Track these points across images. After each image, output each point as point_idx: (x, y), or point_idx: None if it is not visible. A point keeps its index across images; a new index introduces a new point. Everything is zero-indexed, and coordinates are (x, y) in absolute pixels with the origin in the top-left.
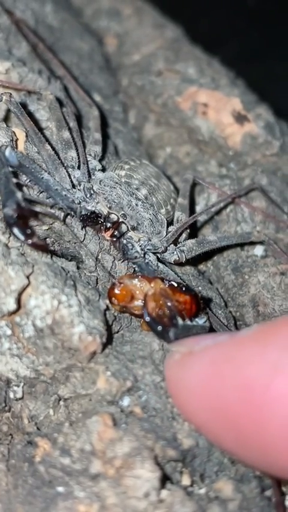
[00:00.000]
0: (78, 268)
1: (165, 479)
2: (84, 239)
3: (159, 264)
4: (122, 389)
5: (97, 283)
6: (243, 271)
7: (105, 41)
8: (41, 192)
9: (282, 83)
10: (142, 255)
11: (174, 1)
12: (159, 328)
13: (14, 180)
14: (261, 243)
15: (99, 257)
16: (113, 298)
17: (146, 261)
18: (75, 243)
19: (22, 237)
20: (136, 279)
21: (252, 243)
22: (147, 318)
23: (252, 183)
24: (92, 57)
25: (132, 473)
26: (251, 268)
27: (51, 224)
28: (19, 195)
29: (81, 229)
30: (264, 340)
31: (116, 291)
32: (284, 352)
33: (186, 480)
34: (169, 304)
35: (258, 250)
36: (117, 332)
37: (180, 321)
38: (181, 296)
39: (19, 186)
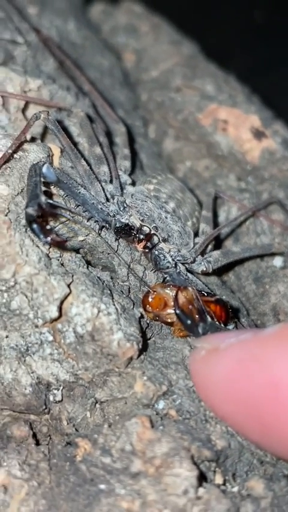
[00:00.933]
0: (111, 278)
1: (201, 478)
2: (117, 250)
3: (189, 274)
4: (158, 393)
5: (129, 292)
6: (264, 281)
7: (123, 57)
8: (78, 206)
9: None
10: (173, 265)
11: (183, 17)
12: (189, 321)
13: (43, 188)
14: (281, 254)
15: (131, 267)
16: (148, 306)
17: (178, 270)
18: (108, 254)
19: (40, 235)
20: (168, 288)
21: (273, 254)
22: (178, 311)
23: (270, 197)
24: (112, 73)
25: (171, 472)
26: (271, 279)
27: (86, 236)
28: (43, 198)
29: (115, 241)
30: (287, 338)
31: (150, 299)
32: None
33: (219, 479)
34: (200, 303)
35: (278, 261)
36: (149, 339)
37: (209, 319)
38: (211, 305)
39: (47, 194)
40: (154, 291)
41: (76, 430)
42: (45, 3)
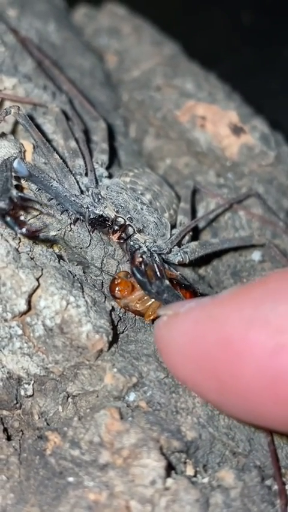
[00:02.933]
0: (84, 272)
1: (170, 469)
2: (89, 245)
3: (165, 265)
4: (128, 385)
5: (102, 286)
6: (242, 276)
7: (105, 58)
8: (51, 199)
9: (277, 98)
10: (149, 255)
11: (172, 20)
12: (142, 277)
13: (14, 183)
14: (261, 245)
15: (104, 261)
16: (116, 290)
17: (154, 260)
18: (81, 249)
19: (15, 226)
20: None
21: (251, 247)
22: (133, 268)
23: (249, 189)
24: (93, 73)
25: (139, 462)
26: (249, 273)
27: (59, 231)
28: (14, 192)
29: (88, 234)
30: (239, 298)
31: (116, 282)
32: (256, 308)
33: (190, 471)
34: (157, 268)
35: (256, 255)
36: (122, 332)
37: (167, 282)
38: (181, 291)
39: (18, 188)
40: (119, 277)
41: (48, 424)
42: (25, 6)
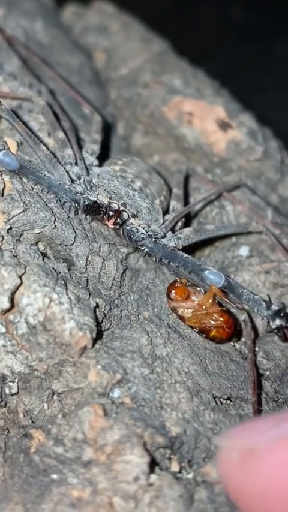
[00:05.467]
0: (69, 269)
1: (154, 465)
2: (74, 242)
3: (169, 243)
4: (112, 381)
5: (87, 283)
6: (229, 271)
7: (94, 56)
8: (45, 192)
9: (268, 94)
10: (148, 236)
11: (162, 17)
12: None
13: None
14: (259, 233)
15: (90, 259)
16: (173, 292)
17: (153, 240)
18: (65, 246)
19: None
20: (192, 287)
21: (239, 242)
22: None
23: (239, 180)
24: (81, 71)
25: (122, 459)
26: (237, 268)
27: (43, 228)
28: None
29: (73, 231)
30: None
31: (177, 285)
32: None
33: (175, 467)
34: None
35: (244, 250)
36: (108, 329)
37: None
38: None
39: None
40: (181, 282)
41: (33, 422)
42: (12, 4)
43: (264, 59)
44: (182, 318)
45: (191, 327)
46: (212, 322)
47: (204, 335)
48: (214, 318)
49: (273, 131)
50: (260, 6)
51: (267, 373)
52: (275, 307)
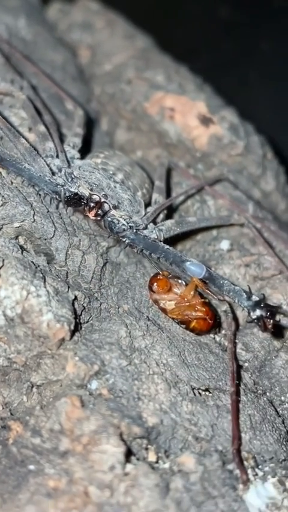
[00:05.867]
0: (48, 263)
1: (130, 455)
2: (53, 236)
3: (151, 235)
4: (90, 373)
5: (67, 277)
6: (210, 264)
7: (78, 53)
8: (26, 184)
9: (253, 90)
10: (129, 227)
11: (149, 13)
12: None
13: None
14: (241, 225)
15: (69, 252)
16: (155, 284)
17: (134, 231)
18: (45, 240)
19: None
20: (173, 279)
21: (220, 236)
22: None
23: (221, 173)
24: (65, 68)
25: (98, 448)
26: (217, 261)
27: (22, 222)
28: None
29: (53, 225)
30: None
31: (159, 277)
32: None
33: (152, 457)
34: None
35: (224, 244)
36: (87, 322)
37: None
38: (205, 306)
39: None
40: (163, 274)
41: (12, 414)
42: None
43: (250, 56)
44: (164, 311)
45: (173, 318)
46: (194, 313)
47: (184, 326)
48: (196, 309)
49: (256, 127)
50: (247, 4)
51: (246, 364)
52: (255, 298)
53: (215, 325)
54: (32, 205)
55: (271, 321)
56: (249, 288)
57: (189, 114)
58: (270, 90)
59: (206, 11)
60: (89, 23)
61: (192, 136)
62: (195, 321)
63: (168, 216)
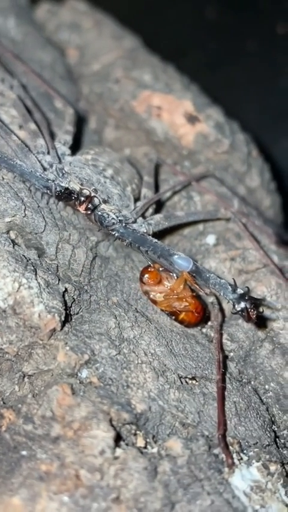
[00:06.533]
0: (39, 256)
1: (119, 440)
2: (44, 230)
3: (141, 229)
4: (80, 362)
5: (57, 270)
6: (197, 258)
7: (67, 53)
8: (18, 179)
9: (239, 90)
10: (118, 221)
11: (137, 14)
12: None
13: None
14: (227, 219)
15: (60, 246)
16: (146, 275)
17: (123, 225)
18: (36, 234)
19: None
20: (164, 272)
21: (206, 231)
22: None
23: (207, 170)
24: (53, 67)
25: (88, 434)
26: (204, 255)
27: (13, 217)
28: None
29: (43, 219)
30: None
31: (150, 269)
32: None
33: (140, 442)
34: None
35: (210, 239)
36: (77, 313)
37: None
38: (194, 299)
39: None
40: (154, 267)
41: (4, 403)
42: None
43: (236, 57)
44: (153, 302)
45: (162, 310)
46: (182, 306)
47: (173, 317)
48: (185, 302)
49: (242, 125)
50: (233, 5)
51: (232, 354)
52: (240, 291)
53: (204, 318)
54: (23, 201)
55: (255, 312)
56: (234, 281)
57: (176, 113)
58: (255, 90)
59: (193, 12)
60: (77, 23)
61: (179, 134)
62: (184, 313)
63: (157, 211)
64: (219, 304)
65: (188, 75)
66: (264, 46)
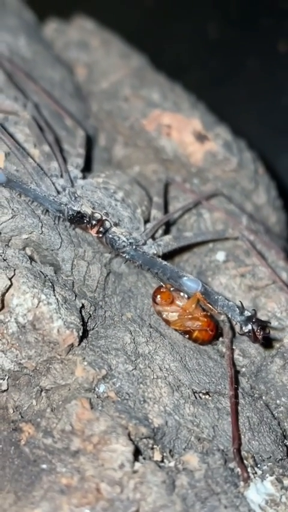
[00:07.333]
0: (55, 273)
1: (138, 454)
2: (60, 247)
3: (150, 251)
4: (98, 377)
5: (73, 286)
6: (207, 274)
7: (75, 71)
8: (31, 202)
9: (241, 106)
10: (129, 244)
11: (140, 32)
12: None
13: None
14: (235, 239)
15: (75, 263)
16: (158, 296)
17: (134, 248)
18: (52, 251)
19: None
20: (176, 292)
21: (216, 248)
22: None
23: (216, 189)
24: (63, 85)
25: (108, 448)
26: (214, 272)
27: (30, 234)
28: None
29: (59, 236)
30: None
31: (162, 290)
32: None
33: (157, 456)
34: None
35: (220, 255)
36: (93, 329)
37: None
38: (206, 317)
39: None
40: (166, 287)
41: (22, 417)
42: None
43: (238, 73)
44: (167, 322)
45: (175, 329)
46: (195, 325)
47: (187, 336)
48: (197, 321)
49: (247, 143)
50: (235, 24)
51: (243, 369)
52: (247, 313)
53: (217, 335)
54: (39, 218)
55: (261, 333)
56: (242, 304)
57: (185, 131)
58: (257, 106)
59: (195, 30)
60: (84, 41)
61: (188, 152)
62: (198, 331)
63: (167, 231)
64: (230, 321)
65: (190, 91)
66: (266, 64)
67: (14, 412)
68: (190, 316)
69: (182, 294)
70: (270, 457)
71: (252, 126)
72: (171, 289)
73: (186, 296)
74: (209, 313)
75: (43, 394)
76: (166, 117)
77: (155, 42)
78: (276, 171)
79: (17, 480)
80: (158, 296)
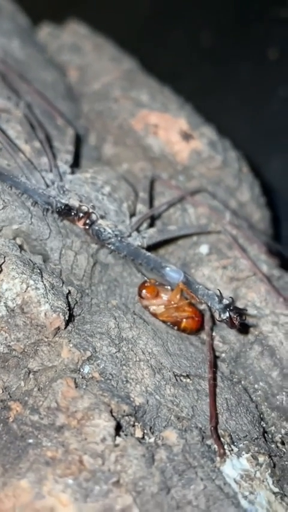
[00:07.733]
0: (44, 261)
1: (119, 430)
2: (49, 237)
3: (135, 242)
4: (83, 358)
5: (61, 274)
6: (191, 266)
7: (68, 73)
8: (21, 194)
9: (231, 111)
10: (114, 236)
11: (134, 39)
12: None
13: None
14: (217, 232)
15: (63, 252)
16: (143, 291)
17: (119, 239)
18: (41, 240)
19: None
20: (161, 286)
21: (199, 241)
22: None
23: (200, 185)
24: (55, 87)
25: (91, 423)
26: (197, 264)
27: (20, 224)
28: None
29: (48, 227)
30: None
31: (146, 285)
32: None
33: (138, 433)
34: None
35: (204, 248)
36: (79, 315)
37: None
38: (191, 306)
39: None
40: (150, 282)
41: (10, 397)
42: None
43: (230, 81)
44: (154, 315)
45: (164, 321)
46: (182, 314)
47: (176, 328)
48: (183, 310)
49: (233, 143)
50: (227, 32)
51: (223, 355)
52: (225, 301)
53: (203, 323)
54: (29, 209)
55: (238, 320)
56: (220, 292)
57: (171, 131)
58: (247, 112)
59: (188, 38)
60: (77, 45)
61: (174, 150)
62: (185, 320)
63: (151, 225)
64: (210, 310)
65: (183, 97)
66: (256, 71)
67: (3, 392)
68: (175, 306)
69: (166, 286)
70: (247, 435)
71: (242, 131)
72: (156, 283)
73: (170, 288)
74: (191, 302)
75: (31, 376)
76: (153, 116)
77: (150, 51)
78: (266, 174)
79: (5, 454)
80: (144, 290)
